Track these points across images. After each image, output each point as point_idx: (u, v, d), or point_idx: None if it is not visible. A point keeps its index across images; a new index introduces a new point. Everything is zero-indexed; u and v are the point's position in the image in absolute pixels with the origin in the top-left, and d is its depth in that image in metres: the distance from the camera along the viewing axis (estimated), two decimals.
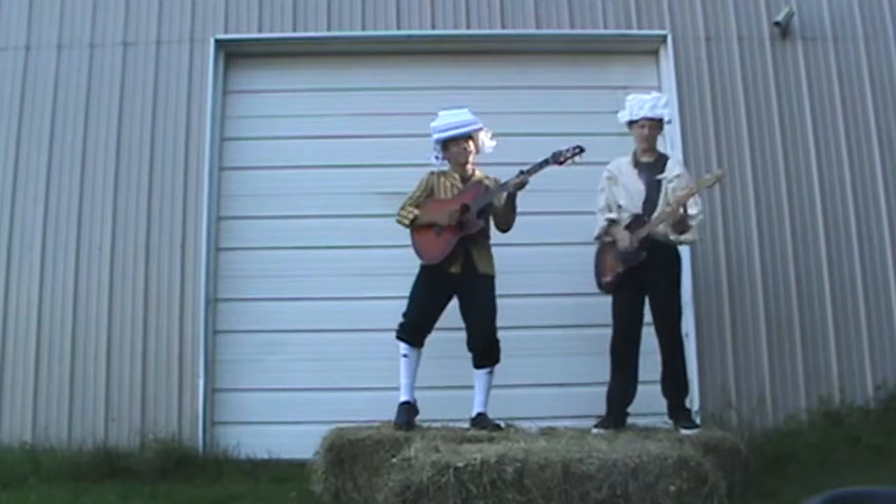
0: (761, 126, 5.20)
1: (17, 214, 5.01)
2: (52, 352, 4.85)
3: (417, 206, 4.18)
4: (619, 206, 4.14)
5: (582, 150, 3.95)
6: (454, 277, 4.05)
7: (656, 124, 4.14)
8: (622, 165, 4.20)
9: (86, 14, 5.27)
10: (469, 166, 4.22)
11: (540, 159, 3.97)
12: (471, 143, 4.20)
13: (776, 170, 5.14)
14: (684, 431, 3.77)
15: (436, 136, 4.21)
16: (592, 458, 2.89)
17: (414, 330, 4.07)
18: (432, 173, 4.27)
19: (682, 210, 3.88)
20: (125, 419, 4.74)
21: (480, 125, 4.21)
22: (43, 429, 4.69)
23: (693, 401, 4.79)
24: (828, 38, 5.32)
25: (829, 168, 5.15)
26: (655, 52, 5.39)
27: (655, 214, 4.00)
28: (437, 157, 4.28)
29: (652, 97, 4.16)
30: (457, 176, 4.21)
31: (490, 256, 4.14)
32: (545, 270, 4.99)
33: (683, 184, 4.00)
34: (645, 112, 4.09)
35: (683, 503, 2.80)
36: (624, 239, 4.03)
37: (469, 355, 4.07)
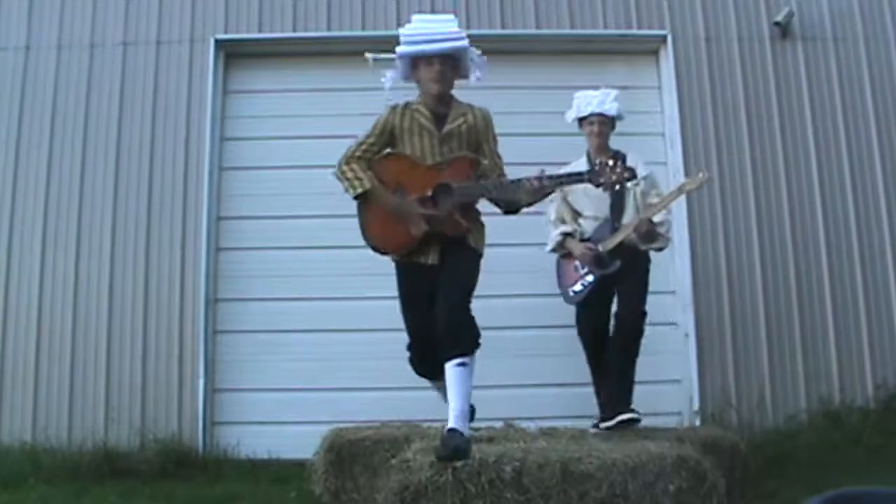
0: (761, 126, 5.20)
1: (17, 214, 5.01)
2: (52, 352, 4.85)
3: (369, 163, 3.11)
4: (580, 215, 3.93)
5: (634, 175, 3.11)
6: (432, 270, 3.04)
7: (607, 121, 3.89)
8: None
9: (86, 14, 5.27)
10: (445, 97, 3.13)
11: (577, 170, 3.28)
12: (449, 65, 3.09)
13: (776, 170, 5.14)
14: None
15: (400, 49, 3.11)
16: (591, 458, 2.87)
17: (423, 361, 3.21)
18: (393, 108, 3.15)
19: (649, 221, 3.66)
20: (125, 419, 4.74)
21: (466, 41, 3.12)
22: (43, 429, 4.69)
23: (693, 401, 4.80)
24: (828, 38, 5.32)
25: (829, 168, 5.15)
26: (655, 52, 5.40)
27: (626, 220, 3.80)
28: (390, 78, 3.22)
29: (600, 93, 3.90)
30: (427, 112, 3.10)
31: (481, 230, 3.12)
32: (546, 270, 4.97)
33: (655, 186, 3.87)
34: (594, 108, 3.85)
35: (682, 502, 2.79)
36: (585, 255, 3.79)
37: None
